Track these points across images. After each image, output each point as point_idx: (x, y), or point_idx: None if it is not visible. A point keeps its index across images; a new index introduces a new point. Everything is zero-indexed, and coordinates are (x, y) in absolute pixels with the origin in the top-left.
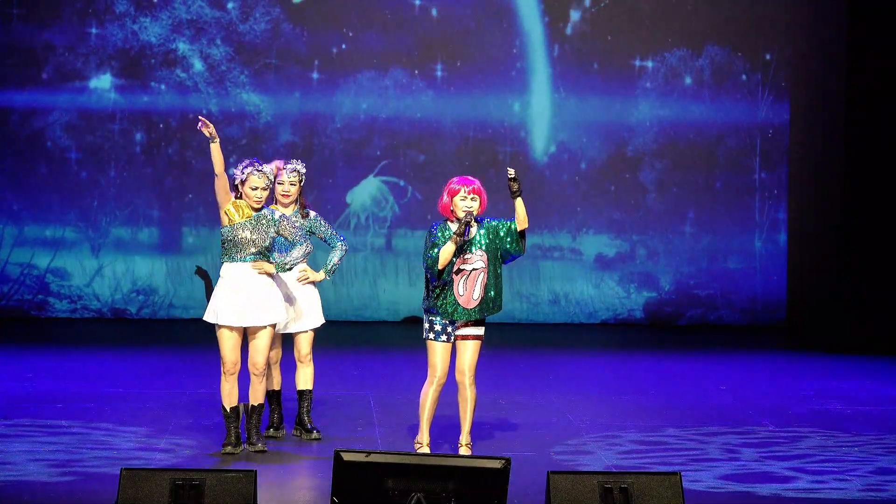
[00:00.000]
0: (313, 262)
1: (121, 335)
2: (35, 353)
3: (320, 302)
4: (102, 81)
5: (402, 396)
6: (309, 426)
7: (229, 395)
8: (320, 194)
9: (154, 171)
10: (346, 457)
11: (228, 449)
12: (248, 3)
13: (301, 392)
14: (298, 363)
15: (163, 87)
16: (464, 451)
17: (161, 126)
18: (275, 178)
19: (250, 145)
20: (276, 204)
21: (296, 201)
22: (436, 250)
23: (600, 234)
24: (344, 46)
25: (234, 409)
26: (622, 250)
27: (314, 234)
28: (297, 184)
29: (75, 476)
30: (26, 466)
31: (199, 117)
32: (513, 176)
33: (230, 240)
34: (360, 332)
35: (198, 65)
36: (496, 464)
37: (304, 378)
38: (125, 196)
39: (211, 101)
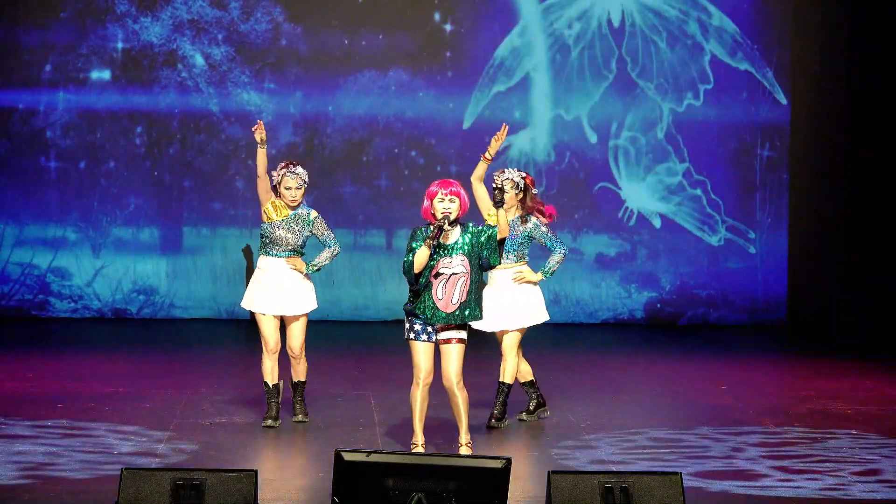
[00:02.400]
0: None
1: (121, 335)
2: (36, 353)
3: (543, 300)
4: (103, 81)
5: (402, 396)
6: (536, 407)
7: (271, 372)
8: (321, 194)
9: (155, 172)
10: (347, 456)
11: (269, 422)
12: (250, 3)
13: (500, 384)
14: (502, 355)
15: (164, 87)
16: (464, 450)
17: (162, 126)
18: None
19: (251, 146)
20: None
21: (517, 207)
22: (411, 255)
23: (601, 233)
24: (345, 47)
25: (276, 386)
26: (623, 250)
27: (534, 239)
28: (511, 191)
29: (76, 476)
30: (26, 467)
31: (259, 121)
32: (500, 186)
33: (267, 236)
34: (360, 332)
35: (199, 65)
36: (497, 463)
37: (504, 370)
38: (126, 196)
39: (212, 101)
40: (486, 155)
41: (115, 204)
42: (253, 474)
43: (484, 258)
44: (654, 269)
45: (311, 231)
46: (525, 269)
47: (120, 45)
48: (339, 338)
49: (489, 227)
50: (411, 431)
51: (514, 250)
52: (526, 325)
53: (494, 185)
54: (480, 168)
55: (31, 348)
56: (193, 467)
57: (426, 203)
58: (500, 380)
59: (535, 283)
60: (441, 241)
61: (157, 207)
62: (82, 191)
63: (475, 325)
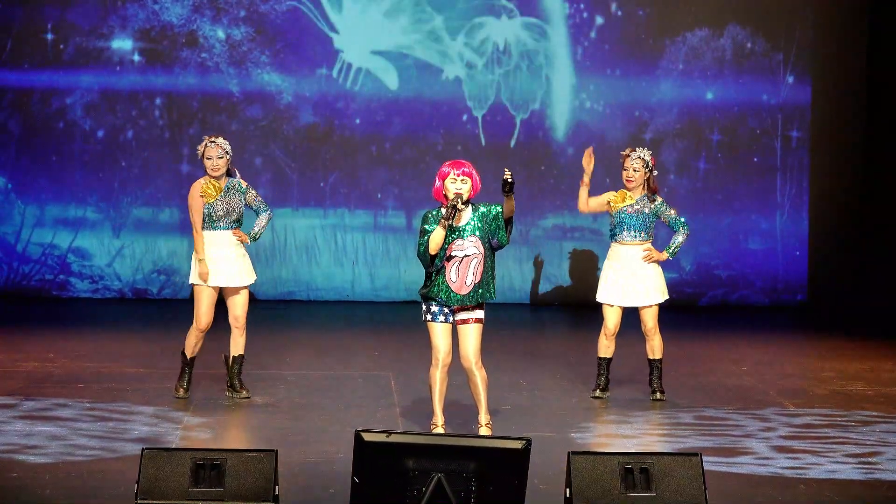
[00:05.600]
0: (657, 243)
1: (142, 315)
2: (56, 334)
3: (664, 280)
4: (123, 61)
5: (422, 376)
6: (657, 386)
7: (194, 347)
8: (340, 175)
9: (175, 152)
10: (367, 437)
11: (181, 392)
12: None
13: (651, 361)
14: (646, 335)
15: (184, 67)
16: (484, 431)
17: (182, 106)
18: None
19: (271, 126)
20: (625, 190)
21: (641, 186)
22: (426, 237)
23: None
24: (364, 26)
25: (192, 360)
26: None
27: (659, 217)
28: (641, 169)
29: (96, 456)
30: (47, 446)
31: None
32: (509, 179)
33: (213, 213)
34: (380, 312)
35: (219, 45)
36: (517, 444)
37: (653, 348)
38: (146, 176)
39: (231, 82)
40: (584, 181)
41: (136, 184)
42: (273, 454)
43: (494, 238)
44: None
45: (245, 200)
46: (652, 248)
47: (140, 25)
48: (358, 318)
49: (495, 206)
50: (431, 412)
51: (643, 228)
52: (655, 303)
53: (506, 179)
54: (583, 194)
55: (51, 328)
56: (213, 447)
57: (437, 184)
58: (650, 357)
59: (660, 263)
60: (453, 222)
61: (177, 188)
62: (102, 171)
63: (603, 299)
